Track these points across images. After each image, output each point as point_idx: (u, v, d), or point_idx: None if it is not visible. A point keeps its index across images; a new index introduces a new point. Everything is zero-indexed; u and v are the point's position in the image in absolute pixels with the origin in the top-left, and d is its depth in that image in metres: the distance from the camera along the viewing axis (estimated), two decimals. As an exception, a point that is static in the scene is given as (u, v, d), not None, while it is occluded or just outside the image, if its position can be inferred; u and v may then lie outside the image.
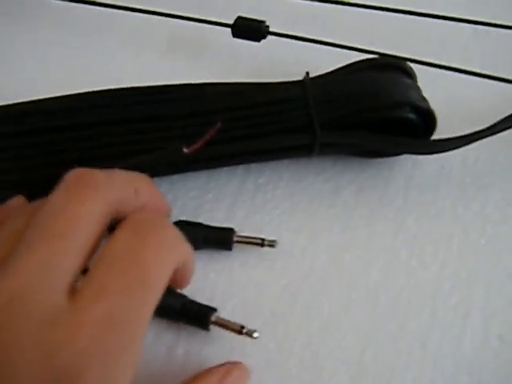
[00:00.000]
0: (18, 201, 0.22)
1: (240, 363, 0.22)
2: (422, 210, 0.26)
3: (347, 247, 0.25)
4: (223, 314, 0.23)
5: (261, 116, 0.24)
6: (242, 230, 0.25)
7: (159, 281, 0.18)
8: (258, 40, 0.28)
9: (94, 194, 0.18)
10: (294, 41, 0.29)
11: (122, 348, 0.17)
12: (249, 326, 0.22)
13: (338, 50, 0.28)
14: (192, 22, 0.29)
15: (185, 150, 0.22)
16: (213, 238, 0.24)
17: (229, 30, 0.28)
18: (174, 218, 0.25)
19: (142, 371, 0.22)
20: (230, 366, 0.22)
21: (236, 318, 0.23)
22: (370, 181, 0.26)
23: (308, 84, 0.25)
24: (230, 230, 0.24)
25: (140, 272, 0.17)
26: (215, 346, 0.23)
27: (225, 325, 0.22)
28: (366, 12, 0.29)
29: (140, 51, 0.31)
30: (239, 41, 0.29)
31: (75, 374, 0.16)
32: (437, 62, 0.27)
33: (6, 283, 0.17)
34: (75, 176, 0.19)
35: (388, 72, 0.25)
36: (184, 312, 0.22)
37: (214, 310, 0.22)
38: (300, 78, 0.26)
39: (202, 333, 0.23)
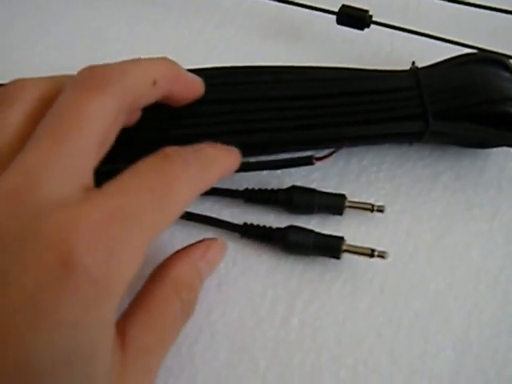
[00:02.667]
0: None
1: (217, 239, 0.23)
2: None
3: (448, 229, 0.26)
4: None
5: (375, 103, 0.25)
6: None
7: (180, 203, 0.19)
8: (362, 28, 0.29)
9: (103, 89, 0.18)
10: (388, 30, 0.30)
11: (127, 243, 0.16)
12: (358, 297, 0.24)
13: (431, 41, 0.29)
14: (291, 6, 0.30)
15: (314, 162, 0.24)
16: (325, 203, 0.25)
17: (331, 16, 0.29)
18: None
19: (256, 340, 0.23)
20: (209, 242, 0.23)
21: (346, 290, 0.24)
22: (466, 169, 0.27)
23: (420, 74, 0.26)
24: (342, 196, 0.25)
25: (167, 187, 0.18)
26: (328, 318, 0.24)
27: (356, 251, 0.24)
28: (460, 7, 0.30)
29: (240, 31, 0.32)
30: (337, 28, 0.30)
31: (78, 260, 0.15)
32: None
33: (9, 178, 0.16)
34: (85, 73, 0.19)
35: (491, 67, 0.27)
36: (317, 245, 0.24)
37: (342, 238, 0.24)
38: (400, 67, 0.27)
39: (316, 302, 0.24)
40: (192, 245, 0.23)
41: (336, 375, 0.23)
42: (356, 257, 0.24)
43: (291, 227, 0.25)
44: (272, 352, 0.23)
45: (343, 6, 0.29)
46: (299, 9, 0.29)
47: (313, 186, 0.26)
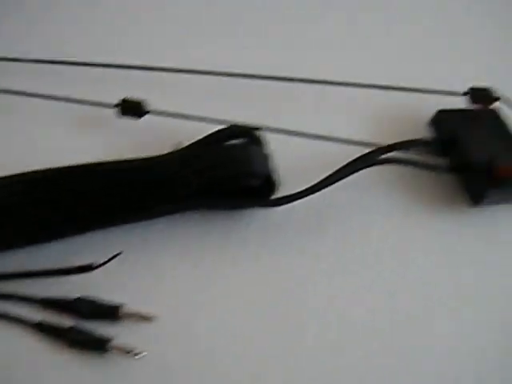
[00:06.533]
0: None
1: None
2: (281, 249, 0.32)
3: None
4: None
5: (146, 189, 0.30)
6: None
7: None
8: (139, 117, 0.34)
9: None
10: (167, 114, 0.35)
11: None
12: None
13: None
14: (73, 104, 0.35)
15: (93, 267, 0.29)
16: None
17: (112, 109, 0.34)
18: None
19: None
20: None
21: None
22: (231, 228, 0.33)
23: (185, 155, 0.31)
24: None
25: None
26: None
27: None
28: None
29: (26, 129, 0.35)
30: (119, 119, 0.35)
31: None
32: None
33: None
34: None
35: (244, 140, 0.32)
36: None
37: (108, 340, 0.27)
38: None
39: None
40: None
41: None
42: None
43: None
44: None
45: (123, 100, 0.34)
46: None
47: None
